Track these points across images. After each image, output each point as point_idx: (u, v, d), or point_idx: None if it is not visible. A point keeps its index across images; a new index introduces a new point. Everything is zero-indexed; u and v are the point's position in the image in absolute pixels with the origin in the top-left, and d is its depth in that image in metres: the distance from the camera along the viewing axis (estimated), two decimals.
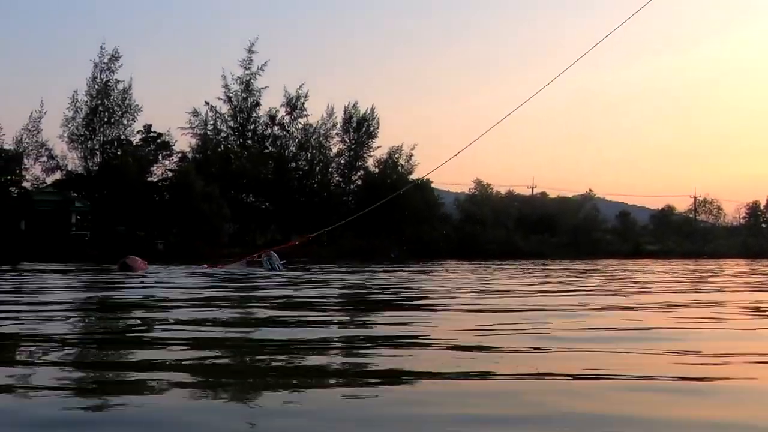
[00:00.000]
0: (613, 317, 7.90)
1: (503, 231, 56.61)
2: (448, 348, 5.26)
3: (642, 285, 15.05)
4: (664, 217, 74.70)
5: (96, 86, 48.63)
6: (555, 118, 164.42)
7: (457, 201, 64.51)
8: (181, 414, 3.23)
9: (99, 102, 48.51)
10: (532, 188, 72.41)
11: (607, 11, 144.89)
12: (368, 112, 56.05)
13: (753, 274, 21.57)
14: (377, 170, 55.15)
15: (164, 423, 3.07)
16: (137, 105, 49.60)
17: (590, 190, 72.22)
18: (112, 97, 48.87)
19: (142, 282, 14.82)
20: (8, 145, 46.36)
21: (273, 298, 10.49)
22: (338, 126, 55.76)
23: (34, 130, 46.85)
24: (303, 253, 36.46)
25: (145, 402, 3.47)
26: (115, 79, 49.04)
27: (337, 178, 56.17)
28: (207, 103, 53.38)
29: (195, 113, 52.85)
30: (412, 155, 55.74)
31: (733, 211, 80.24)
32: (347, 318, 8.03)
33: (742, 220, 78.21)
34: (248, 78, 53.12)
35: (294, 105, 54.45)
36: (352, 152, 55.67)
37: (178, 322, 7.03)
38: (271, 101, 58.18)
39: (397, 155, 55.68)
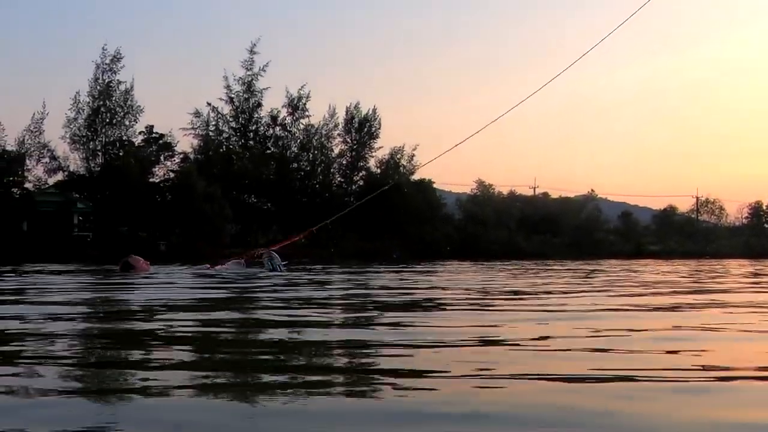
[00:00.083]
0: (675, 317, 7.91)
1: (505, 231, 56.57)
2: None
3: (672, 285, 14.90)
4: (667, 217, 74.61)
5: (98, 87, 48.68)
6: (556, 119, 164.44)
7: (459, 201, 64.49)
8: (181, 414, 3.24)
9: (101, 103, 48.53)
10: (534, 188, 72.51)
11: (607, 11, 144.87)
12: (370, 112, 56.12)
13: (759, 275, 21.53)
14: (379, 171, 55.14)
15: (164, 422, 3.08)
16: (139, 106, 49.69)
17: (592, 190, 72.33)
18: (113, 98, 48.90)
19: (145, 283, 14.83)
20: (10, 146, 46.48)
21: (273, 299, 10.50)
22: (340, 126, 55.83)
23: (36, 131, 46.97)
24: (304, 254, 36.47)
25: (145, 401, 3.48)
26: (117, 80, 49.14)
27: (338, 179, 56.17)
28: (209, 104, 53.46)
29: (197, 114, 52.93)
30: (413, 155, 55.75)
31: (735, 211, 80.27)
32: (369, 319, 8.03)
33: (744, 221, 78.12)
34: (250, 79, 53.17)
35: (296, 105, 54.49)
36: (353, 153, 55.65)
37: (180, 321, 7.03)
38: (272, 102, 58.28)
39: (398, 156, 55.70)
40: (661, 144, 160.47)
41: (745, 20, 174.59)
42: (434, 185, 56.82)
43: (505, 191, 67.87)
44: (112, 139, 48.97)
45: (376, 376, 4.15)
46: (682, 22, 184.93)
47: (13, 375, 4.10)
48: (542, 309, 8.77)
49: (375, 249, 45.51)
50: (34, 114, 46.94)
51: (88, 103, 48.64)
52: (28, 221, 45.03)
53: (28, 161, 46.89)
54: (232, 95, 53.34)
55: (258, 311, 8.62)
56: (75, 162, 48.66)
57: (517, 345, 5.44)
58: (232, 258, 24.91)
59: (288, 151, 54.50)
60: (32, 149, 46.88)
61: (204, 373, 4.21)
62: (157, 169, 50.50)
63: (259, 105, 53.84)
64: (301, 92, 54.39)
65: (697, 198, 77.87)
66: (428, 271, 22.64)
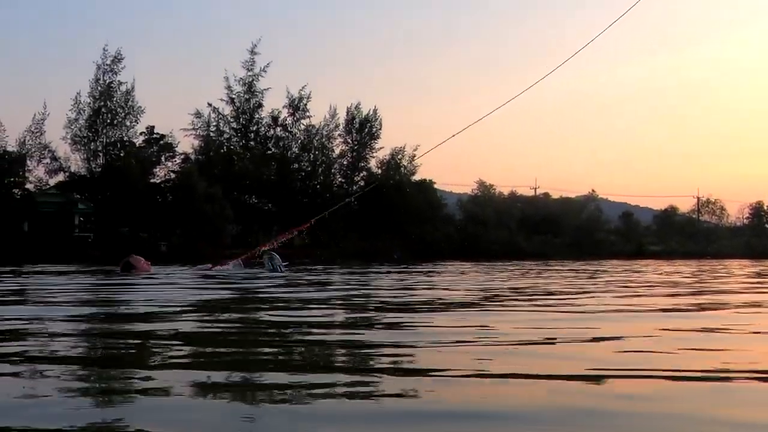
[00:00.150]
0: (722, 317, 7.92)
1: (506, 232, 56.53)
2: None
3: (688, 286, 14.88)
4: (667, 217, 74.59)
5: (99, 88, 48.65)
6: (557, 119, 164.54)
7: (459, 202, 64.47)
8: (182, 413, 3.24)
9: (102, 104, 48.50)
10: (535, 189, 72.52)
11: (606, 11, 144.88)
12: (371, 113, 56.09)
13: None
14: (380, 171, 55.12)
15: (164, 422, 3.08)
16: (140, 106, 49.64)
17: (593, 190, 72.36)
18: (114, 99, 48.87)
19: (145, 283, 14.83)
20: (11, 146, 46.43)
21: (273, 299, 10.50)
22: (341, 127, 55.79)
23: (37, 132, 46.92)
24: (305, 255, 36.49)
25: (146, 401, 3.48)
26: (118, 80, 49.08)
27: (339, 179, 56.13)
28: (210, 105, 53.42)
29: (198, 115, 52.91)
30: (414, 156, 55.71)
31: (736, 211, 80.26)
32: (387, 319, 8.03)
33: (745, 221, 78.08)
34: (251, 79, 53.15)
35: (296, 106, 54.46)
36: (354, 153, 55.62)
37: (180, 321, 7.04)
38: (273, 102, 58.33)
39: (399, 156, 55.66)
40: (661, 144, 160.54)
41: (746, 20, 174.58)
42: (435, 186, 56.86)
43: (505, 191, 68.01)
44: (113, 139, 48.95)
45: (376, 376, 4.16)
46: (682, 21, 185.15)
47: (16, 374, 4.11)
48: (572, 311, 8.76)
49: (376, 249, 45.49)
50: (35, 115, 46.99)
51: (89, 103, 48.65)
52: (29, 222, 45.03)
53: (29, 162, 46.90)
54: (233, 96, 53.38)
55: (258, 312, 8.62)
56: (76, 163, 48.69)
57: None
58: (233, 258, 24.93)
59: (289, 152, 54.49)
60: (33, 150, 46.90)
61: (204, 373, 4.21)
62: (158, 169, 50.53)
63: (260, 105, 53.87)
64: (302, 93, 54.43)
65: (698, 198, 77.96)
66: (430, 272, 22.63)
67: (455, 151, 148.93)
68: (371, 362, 4.72)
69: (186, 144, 58.91)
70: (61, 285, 14.13)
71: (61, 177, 48.48)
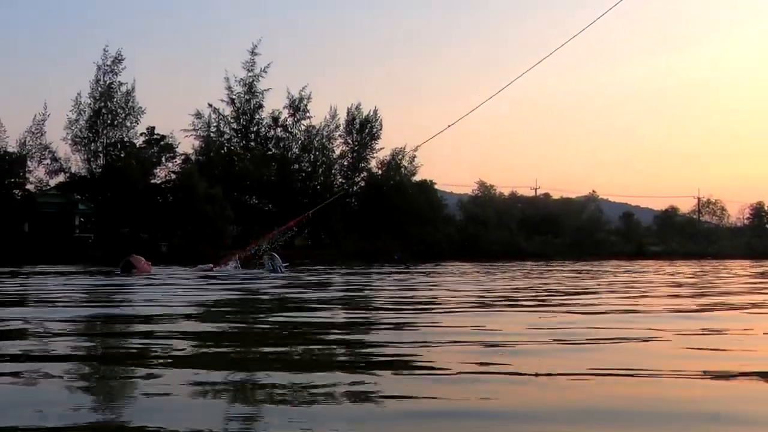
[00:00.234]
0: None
1: (506, 232, 56.51)
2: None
3: (699, 288, 14.86)
4: (668, 218, 74.54)
5: (99, 88, 48.61)
6: (557, 119, 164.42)
7: (460, 202, 64.43)
8: (182, 413, 3.24)
9: (102, 104, 48.49)
10: (536, 189, 72.45)
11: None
12: (371, 113, 56.06)
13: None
14: (380, 172, 55.11)
15: (165, 422, 3.08)
16: (140, 107, 49.61)
17: (593, 191, 72.38)
18: (115, 100, 48.85)
19: (146, 284, 14.83)
20: (12, 147, 46.37)
21: (273, 299, 10.50)
22: (341, 128, 55.75)
23: (37, 133, 46.87)
24: (306, 255, 36.48)
25: (146, 401, 3.48)
26: (118, 81, 49.03)
27: (340, 180, 56.12)
28: (210, 105, 53.38)
29: (198, 115, 52.88)
30: (415, 156, 55.69)
31: (737, 212, 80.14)
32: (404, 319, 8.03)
33: (746, 221, 78.00)
34: (251, 80, 53.12)
35: (297, 107, 54.43)
36: (355, 154, 55.61)
37: (180, 321, 7.03)
38: (274, 103, 58.22)
39: (400, 156, 55.63)
40: (662, 144, 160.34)
41: (746, 20, 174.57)
42: (435, 186, 56.82)
43: (506, 192, 67.93)
44: (113, 140, 48.94)
45: (377, 375, 4.15)
46: (682, 21, 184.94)
47: (16, 374, 4.10)
48: (583, 311, 8.75)
49: (376, 250, 45.48)
50: (35, 115, 46.98)
51: (90, 104, 48.62)
52: (29, 222, 45.04)
53: (29, 162, 46.87)
54: (234, 96, 53.35)
55: (258, 312, 8.62)
56: (76, 163, 48.66)
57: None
58: (228, 255, 24.98)
59: (289, 152, 54.48)
60: (33, 150, 46.87)
61: (205, 373, 4.21)
62: (158, 170, 50.49)
63: (260, 106, 53.83)
64: (302, 93, 54.41)
65: (699, 199, 77.90)
66: (431, 272, 22.63)
67: (453, 149, 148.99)
68: (372, 362, 4.72)
69: (186, 145, 58.99)
70: (62, 285, 14.12)
71: (61, 178, 48.50)
